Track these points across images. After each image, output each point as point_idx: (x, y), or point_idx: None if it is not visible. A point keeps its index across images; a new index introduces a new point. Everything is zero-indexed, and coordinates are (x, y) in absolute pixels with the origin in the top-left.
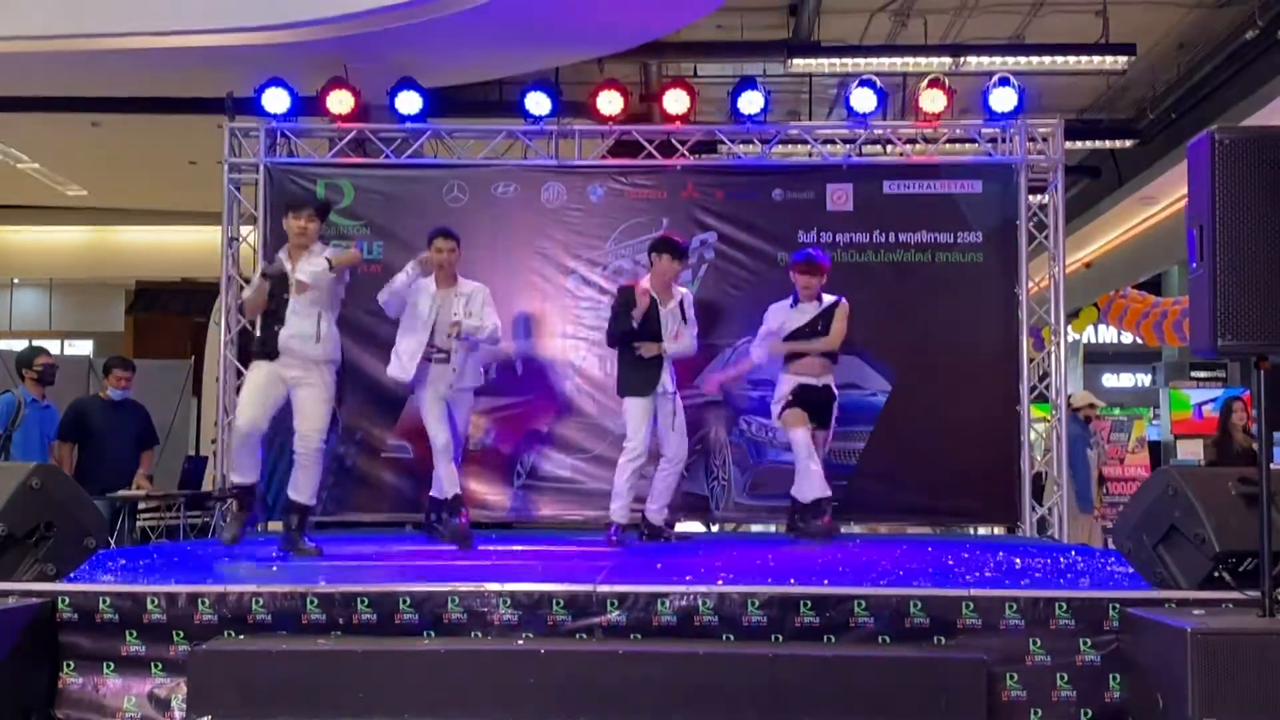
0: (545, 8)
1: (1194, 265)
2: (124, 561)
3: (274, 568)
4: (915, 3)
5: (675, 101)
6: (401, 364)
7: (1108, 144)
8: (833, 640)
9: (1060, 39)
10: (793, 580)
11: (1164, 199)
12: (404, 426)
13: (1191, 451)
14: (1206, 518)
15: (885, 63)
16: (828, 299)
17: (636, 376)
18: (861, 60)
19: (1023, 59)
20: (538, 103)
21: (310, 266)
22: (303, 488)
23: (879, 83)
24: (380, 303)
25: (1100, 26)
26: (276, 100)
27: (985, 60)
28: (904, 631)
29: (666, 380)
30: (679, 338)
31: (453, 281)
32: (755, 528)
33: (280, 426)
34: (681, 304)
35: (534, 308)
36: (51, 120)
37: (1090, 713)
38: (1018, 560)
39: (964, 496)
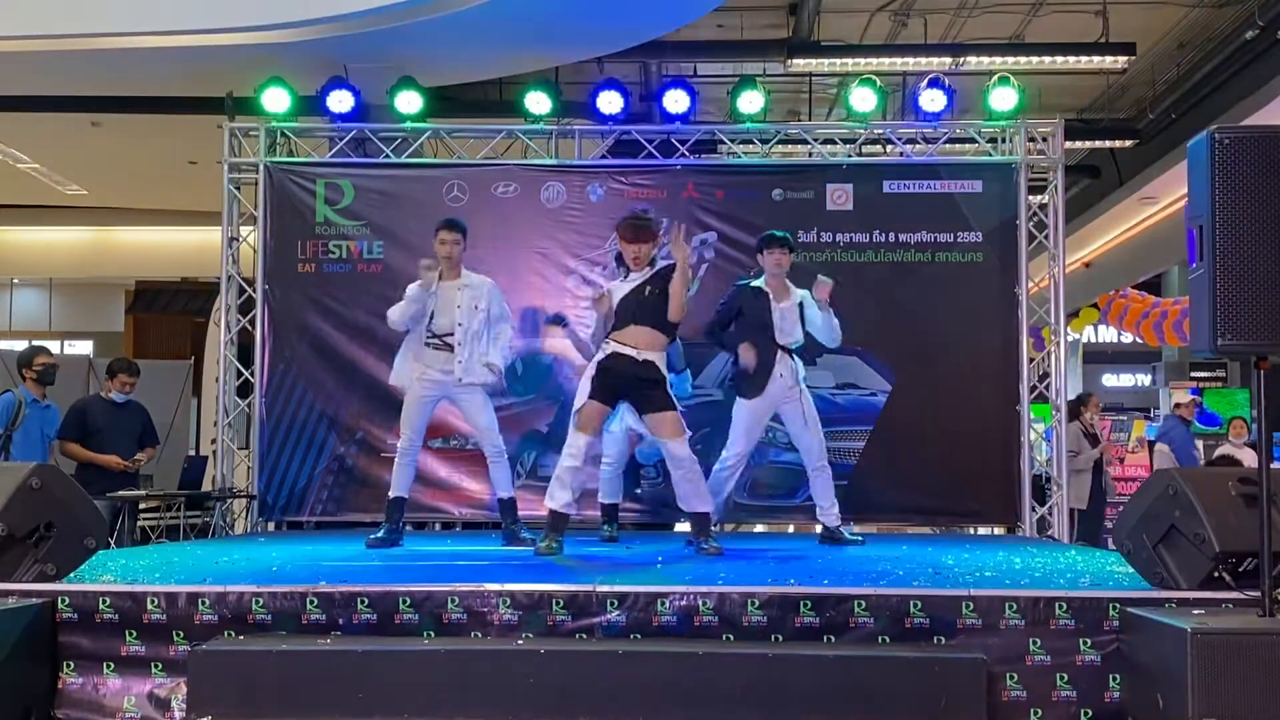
0: (545, 8)
1: (1194, 265)
2: (124, 561)
3: (273, 567)
4: (915, 2)
5: (675, 101)
6: (399, 369)
7: (1108, 144)
8: (833, 640)
9: (1060, 39)
10: (793, 580)
11: (1164, 199)
12: None
13: None
14: (1206, 518)
15: (885, 63)
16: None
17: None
18: (861, 60)
19: (1023, 59)
20: (538, 103)
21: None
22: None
23: (879, 82)
24: (391, 323)
25: (1100, 26)
26: (276, 100)
27: (985, 60)
28: (904, 631)
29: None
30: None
31: (455, 274)
32: (757, 528)
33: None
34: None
35: (534, 307)
36: (51, 120)
37: (1090, 713)
38: (1018, 560)
39: (964, 496)
